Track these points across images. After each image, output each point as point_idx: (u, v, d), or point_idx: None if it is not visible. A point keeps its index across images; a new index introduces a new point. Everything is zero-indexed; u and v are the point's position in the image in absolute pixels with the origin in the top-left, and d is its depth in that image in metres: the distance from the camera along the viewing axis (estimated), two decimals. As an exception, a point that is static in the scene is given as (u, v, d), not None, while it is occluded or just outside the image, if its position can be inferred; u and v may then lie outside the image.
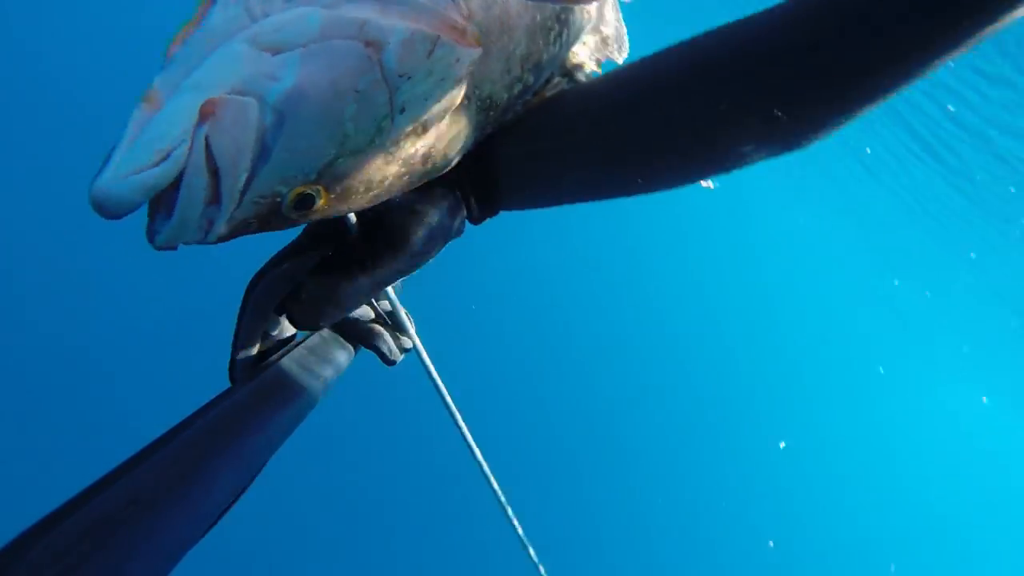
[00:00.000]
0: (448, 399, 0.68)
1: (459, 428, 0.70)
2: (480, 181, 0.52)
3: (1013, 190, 7.13)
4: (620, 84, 0.52)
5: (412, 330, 0.63)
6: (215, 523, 0.42)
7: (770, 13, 0.48)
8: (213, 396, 0.46)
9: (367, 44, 0.37)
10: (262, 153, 0.35)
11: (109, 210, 0.33)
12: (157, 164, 0.33)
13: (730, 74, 0.49)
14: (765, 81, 0.48)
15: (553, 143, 0.53)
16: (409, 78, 0.38)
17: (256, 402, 0.46)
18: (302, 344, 0.57)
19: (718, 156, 0.52)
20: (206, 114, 0.33)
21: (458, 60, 0.40)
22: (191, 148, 0.33)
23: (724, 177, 0.55)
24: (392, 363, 0.61)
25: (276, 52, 0.35)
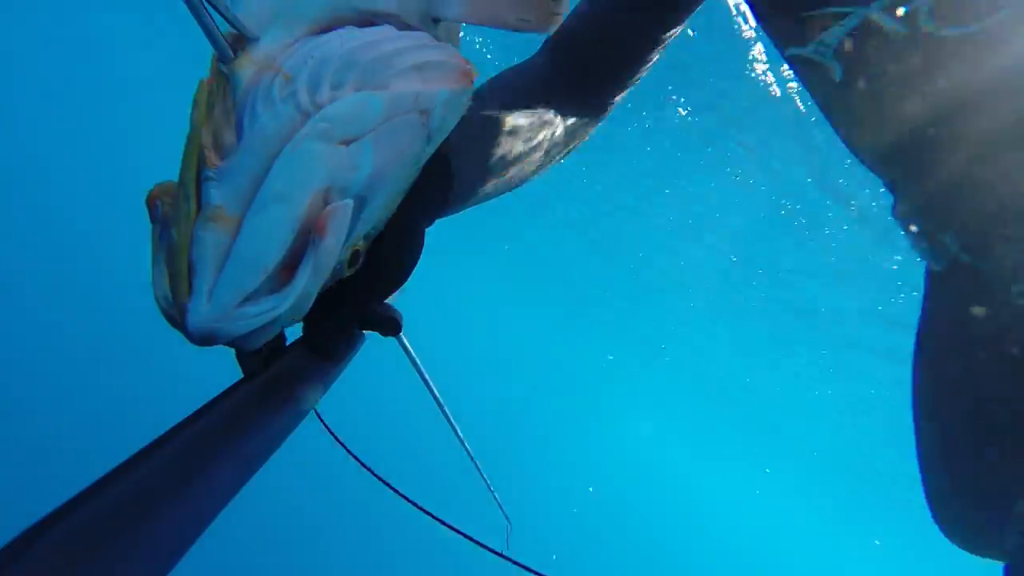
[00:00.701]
0: (423, 370, 0.68)
1: (436, 399, 0.70)
2: (439, 180, 0.57)
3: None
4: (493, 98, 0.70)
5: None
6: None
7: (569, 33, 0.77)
8: (214, 395, 0.46)
9: (421, 113, 0.38)
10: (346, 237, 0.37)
11: (221, 341, 0.33)
12: (261, 285, 0.33)
13: (556, 79, 0.75)
14: (577, 75, 0.75)
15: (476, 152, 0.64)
16: (440, 129, 0.41)
17: (260, 399, 0.46)
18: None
19: (564, 139, 0.77)
20: (321, 229, 0.33)
21: (466, 99, 0.42)
22: (314, 265, 0.34)
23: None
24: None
25: (348, 142, 0.35)
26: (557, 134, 0.75)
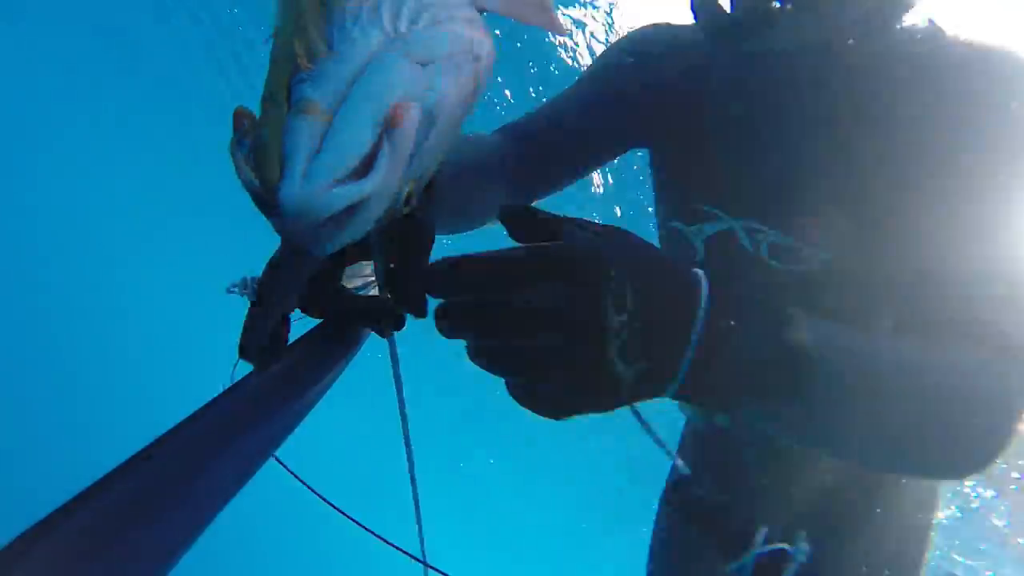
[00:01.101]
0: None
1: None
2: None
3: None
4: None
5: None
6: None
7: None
8: (214, 395, 0.46)
9: (475, 58, 0.44)
10: (412, 156, 0.39)
11: (313, 216, 0.35)
12: (353, 170, 0.36)
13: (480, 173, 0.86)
14: (523, 158, 0.90)
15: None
16: (480, 89, 0.45)
17: (261, 399, 0.46)
18: (314, 333, 0.57)
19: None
20: (397, 119, 0.37)
21: (489, 74, 0.47)
22: (390, 153, 0.37)
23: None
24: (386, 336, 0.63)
25: (424, 64, 0.40)
26: (491, 193, 0.88)
